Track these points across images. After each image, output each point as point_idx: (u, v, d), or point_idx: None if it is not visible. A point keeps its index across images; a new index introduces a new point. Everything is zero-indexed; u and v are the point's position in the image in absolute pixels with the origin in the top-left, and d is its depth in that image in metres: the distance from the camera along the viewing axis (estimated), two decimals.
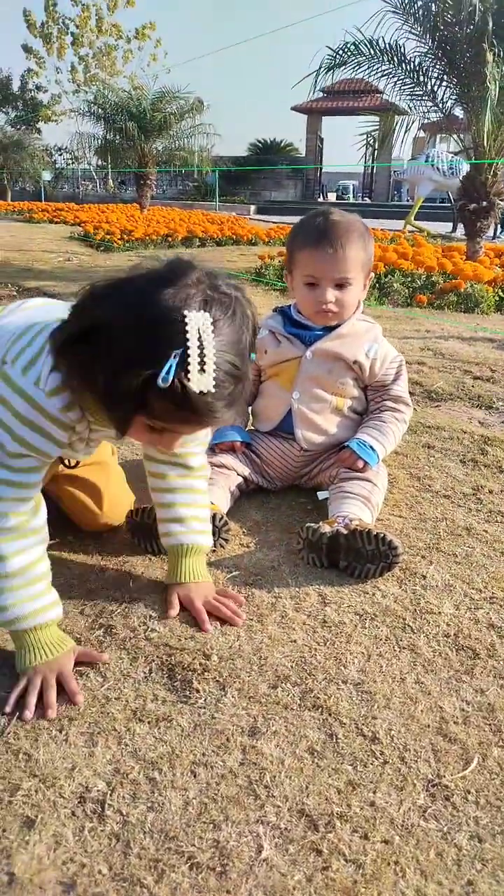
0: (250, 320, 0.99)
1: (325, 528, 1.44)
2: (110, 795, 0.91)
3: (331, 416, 1.74)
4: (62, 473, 1.51)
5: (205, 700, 1.08)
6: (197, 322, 0.89)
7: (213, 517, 1.48)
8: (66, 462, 1.44)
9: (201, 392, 0.89)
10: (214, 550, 1.50)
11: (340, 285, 1.64)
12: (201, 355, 0.89)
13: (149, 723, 1.03)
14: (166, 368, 0.87)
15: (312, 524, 1.46)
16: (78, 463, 1.50)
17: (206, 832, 0.86)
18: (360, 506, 1.54)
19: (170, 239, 9.51)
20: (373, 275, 1.75)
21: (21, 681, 1.10)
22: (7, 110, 32.22)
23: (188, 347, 0.88)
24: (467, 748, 1.00)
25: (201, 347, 0.89)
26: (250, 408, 1.88)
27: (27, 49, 30.15)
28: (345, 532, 1.41)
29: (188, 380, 0.88)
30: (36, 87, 31.27)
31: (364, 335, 1.73)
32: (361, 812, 0.89)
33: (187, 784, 0.93)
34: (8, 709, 1.06)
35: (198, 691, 1.09)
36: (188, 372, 0.88)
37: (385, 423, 1.71)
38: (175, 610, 1.29)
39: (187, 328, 0.88)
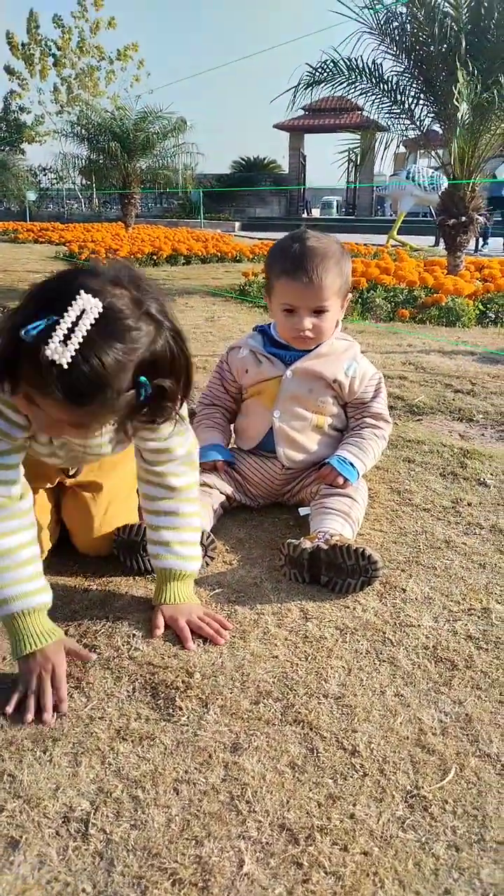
0: (150, 352, 1.01)
1: (307, 544, 1.46)
2: (94, 814, 0.92)
3: (311, 433, 1.77)
4: (67, 485, 1.57)
5: (187, 717, 1.09)
6: (86, 304, 0.93)
7: (201, 535, 1.49)
8: (67, 471, 1.50)
9: (54, 363, 0.91)
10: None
11: (318, 312, 1.67)
12: (70, 330, 0.92)
13: (132, 741, 1.05)
14: (34, 325, 0.92)
15: (294, 541, 1.48)
16: (77, 473, 1.55)
17: (189, 848, 0.88)
18: (340, 521, 1.57)
19: (155, 257, 9.57)
20: (350, 296, 1.77)
21: (19, 685, 1.15)
22: None
23: (63, 318, 0.92)
24: (445, 759, 1.02)
25: (75, 325, 0.92)
26: (232, 426, 1.90)
27: (10, 71, 30.32)
28: (325, 548, 1.44)
29: (47, 344, 0.91)
30: (19, 108, 31.42)
31: (343, 354, 1.76)
32: (341, 825, 0.91)
33: (170, 801, 0.95)
34: (9, 709, 1.11)
35: (181, 709, 1.11)
36: (51, 338, 0.91)
37: (365, 439, 1.74)
38: (159, 630, 1.31)
39: (73, 303, 0.92)
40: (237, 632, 1.31)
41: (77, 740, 1.05)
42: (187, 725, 1.08)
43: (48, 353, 0.91)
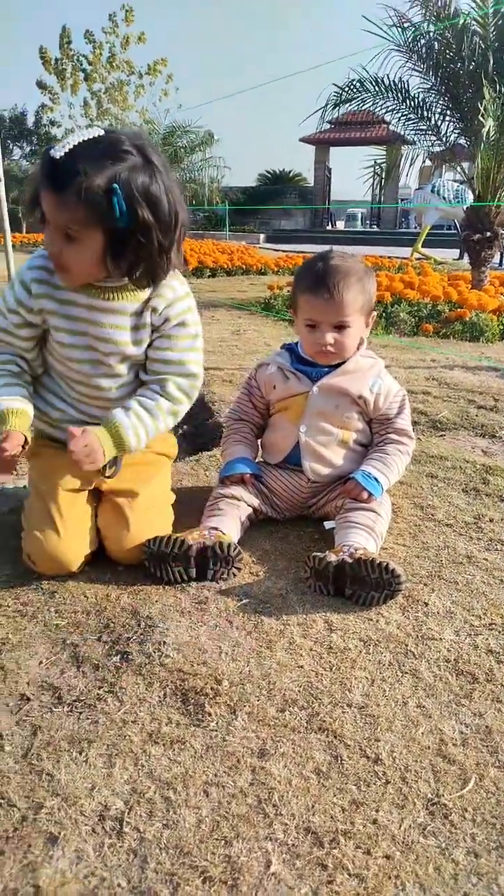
0: (130, 176, 1.35)
1: (332, 557, 1.50)
2: (128, 813, 0.97)
3: (337, 448, 1.81)
4: (105, 490, 1.66)
5: (216, 723, 1.14)
6: (93, 131, 1.36)
7: (228, 547, 1.54)
8: (103, 468, 1.60)
9: (51, 156, 1.33)
10: (225, 579, 1.56)
11: (339, 327, 1.72)
12: (70, 142, 1.33)
13: (164, 745, 1.09)
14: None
15: (319, 553, 1.52)
16: (114, 474, 1.63)
17: (218, 848, 0.92)
18: (364, 535, 1.60)
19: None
20: (375, 313, 1.82)
21: None
22: (22, 144, 32.85)
23: (73, 135, 1.35)
24: (465, 769, 1.05)
25: (72, 139, 1.34)
26: (260, 441, 1.95)
27: (42, 85, 30.69)
28: (350, 561, 1.48)
29: (53, 147, 1.34)
30: (50, 121, 31.84)
31: (368, 371, 1.81)
32: (364, 829, 0.95)
33: (200, 803, 0.99)
34: None
35: (210, 715, 1.15)
36: (58, 144, 1.35)
37: (389, 455, 1.78)
38: (76, 431, 1.48)
39: (83, 130, 1.36)
40: (264, 641, 1.35)
41: (111, 742, 1.10)
42: (216, 731, 1.12)
43: (52, 151, 1.33)
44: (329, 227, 28.44)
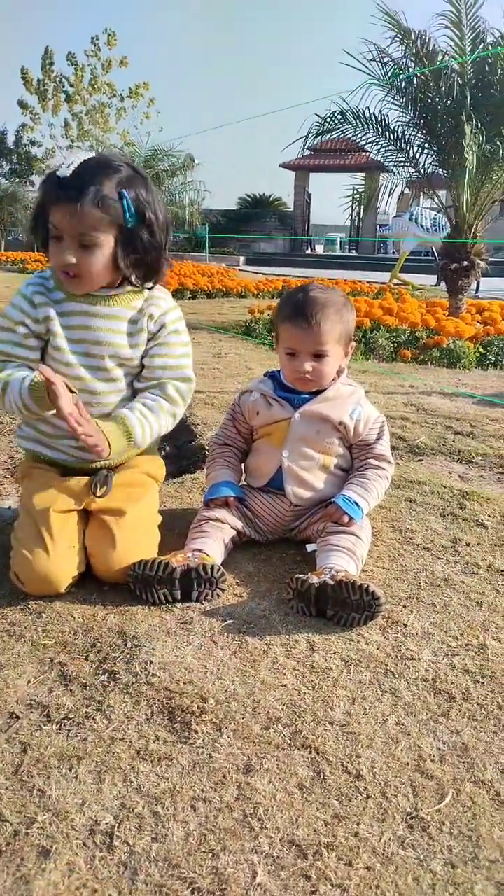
0: (131, 185, 1.55)
1: (313, 580, 1.54)
2: (118, 827, 1.00)
3: (318, 473, 1.86)
4: (94, 510, 1.69)
5: (203, 740, 1.17)
6: (81, 153, 1.56)
7: (212, 569, 1.58)
8: (94, 487, 1.68)
9: (58, 176, 1.50)
10: (210, 600, 1.60)
11: (317, 356, 1.79)
12: (72, 163, 1.51)
13: (151, 761, 1.12)
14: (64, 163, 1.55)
15: (301, 575, 1.56)
16: (105, 493, 1.68)
17: (206, 860, 0.95)
18: (345, 558, 1.65)
19: None
20: (354, 343, 1.89)
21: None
22: (1, 163, 32.90)
23: (68, 158, 1.54)
24: (443, 784, 1.09)
25: (72, 161, 1.52)
26: (243, 465, 2.00)
27: (22, 105, 30.85)
28: (331, 583, 1.52)
29: (56, 171, 1.52)
30: (30, 141, 31.97)
31: (348, 398, 1.87)
32: (346, 842, 0.98)
33: (188, 817, 1.02)
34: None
35: (196, 732, 1.19)
36: (62, 165, 1.52)
37: (369, 480, 1.84)
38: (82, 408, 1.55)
39: (76, 153, 1.56)
40: (248, 661, 1.39)
41: (100, 759, 1.13)
42: (202, 748, 1.16)
43: (58, 172, 1.51)
44: (308, 251, 28.79)
